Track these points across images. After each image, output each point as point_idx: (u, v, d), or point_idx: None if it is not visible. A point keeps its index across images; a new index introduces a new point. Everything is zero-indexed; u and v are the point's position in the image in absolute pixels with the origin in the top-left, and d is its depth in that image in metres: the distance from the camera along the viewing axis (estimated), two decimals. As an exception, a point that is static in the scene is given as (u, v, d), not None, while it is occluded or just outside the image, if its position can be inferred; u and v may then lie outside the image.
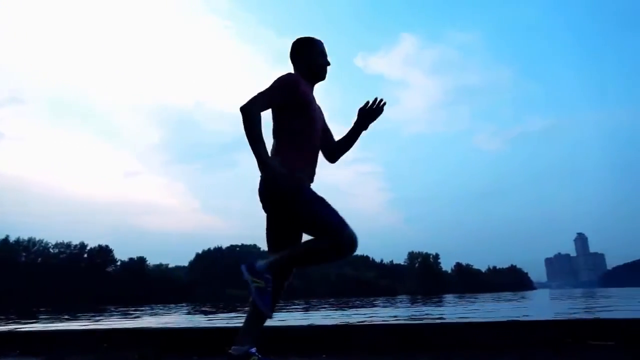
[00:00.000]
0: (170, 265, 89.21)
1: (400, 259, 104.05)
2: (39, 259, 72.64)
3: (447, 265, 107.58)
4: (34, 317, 13.24)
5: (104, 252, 78.97)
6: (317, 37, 2.37)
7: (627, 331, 2.14)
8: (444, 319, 8.06)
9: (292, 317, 10.29)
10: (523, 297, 26.05)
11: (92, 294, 61.57)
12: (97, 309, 22.28)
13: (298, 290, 71.75)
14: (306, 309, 15.01)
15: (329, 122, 2.47)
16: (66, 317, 13.08)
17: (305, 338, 2.56)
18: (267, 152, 2.01)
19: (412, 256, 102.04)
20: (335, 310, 13.86)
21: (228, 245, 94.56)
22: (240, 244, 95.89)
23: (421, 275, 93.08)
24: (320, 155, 2.33)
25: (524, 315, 8.03)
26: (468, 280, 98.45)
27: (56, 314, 15.44)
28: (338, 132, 2.47)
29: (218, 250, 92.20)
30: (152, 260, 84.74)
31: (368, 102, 2.36)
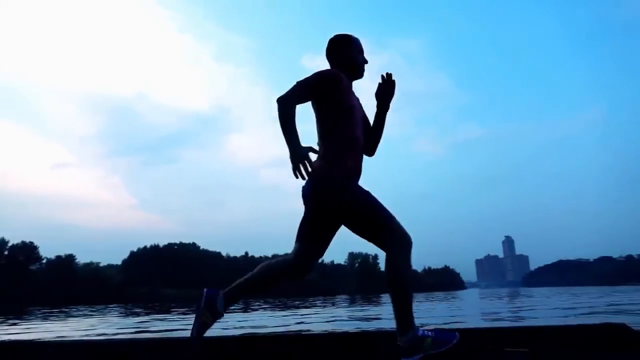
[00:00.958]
0: (101, 264, 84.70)
1: (341, 259, 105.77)
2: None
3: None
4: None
5: (27, 249, 73.30)
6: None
7: (540, 337, 2.27)
8: (370, 322, 8.20)
9: (232, 318, 10.05)
10: (455, 297, 27.32)
11: (12, 295, 56.95)
12: (19, 311, 20.67)
13: (237, 290, 70.74)
14: (245, 309, 14.77)
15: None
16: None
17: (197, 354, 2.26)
18: (302, 147, 1.95)
19: (352, 257, 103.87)
20: (274, 311, 13.74)
21: (166, 243, 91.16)
22: (178, 242, 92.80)
23: (361, 276, 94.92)
24: None
25: (453, 317, 8.36)
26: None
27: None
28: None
29: (155, 248, 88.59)
30: (81, 259, 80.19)
31: (381, 81, 2.33)
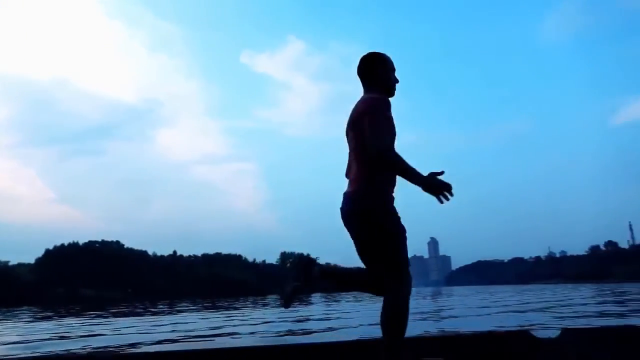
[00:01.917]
0: (11, 263, 77.59)
1: (273, 258, 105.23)
2: None
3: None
4: None
5: None
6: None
7: (454, 346, 2.49)
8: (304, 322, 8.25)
9: (161, 321, 9.63)
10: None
11: None
12: None
13: (164, 290, 68.01)
14: (169, 312, 14.24)
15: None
16: None
17: None
18: (427, 176, 1.96)
19: (284, 256, 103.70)
20: (200, 312, 13.38)
21: (86, 241, 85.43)
22: (100, 239, 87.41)
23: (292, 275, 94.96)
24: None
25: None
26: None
27: None
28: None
29: (73, 246, 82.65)
30: (-14, 257, 72.98)
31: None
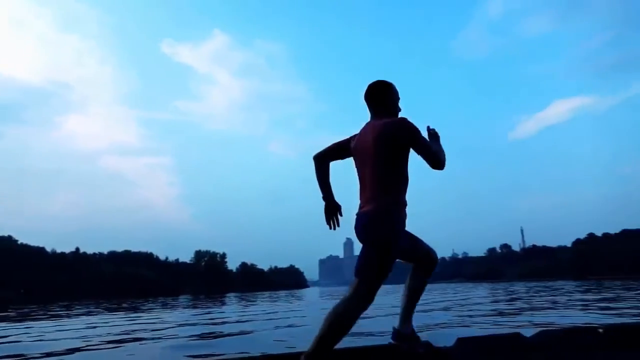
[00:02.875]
0: None
1: (187, 257, 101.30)
2: None
3: (233, 264, 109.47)
4: None
5: None
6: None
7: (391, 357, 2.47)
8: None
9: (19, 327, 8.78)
10: (297, 296, 28.53)
11: None
12: None
13: (64, 290, 62.52)
14: (66, 315, 13.11)
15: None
16: None
17: None
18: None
19: (198, 255, 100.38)
20: (97, 315, 12.48)
21: (-29, 235, 75.73)
22: (-12, 234, 78.01)
23: (207, 275, 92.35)
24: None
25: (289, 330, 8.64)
26: (252, 279, 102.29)
27: None
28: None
29: (-47, 241, 73.01)
30: None
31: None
